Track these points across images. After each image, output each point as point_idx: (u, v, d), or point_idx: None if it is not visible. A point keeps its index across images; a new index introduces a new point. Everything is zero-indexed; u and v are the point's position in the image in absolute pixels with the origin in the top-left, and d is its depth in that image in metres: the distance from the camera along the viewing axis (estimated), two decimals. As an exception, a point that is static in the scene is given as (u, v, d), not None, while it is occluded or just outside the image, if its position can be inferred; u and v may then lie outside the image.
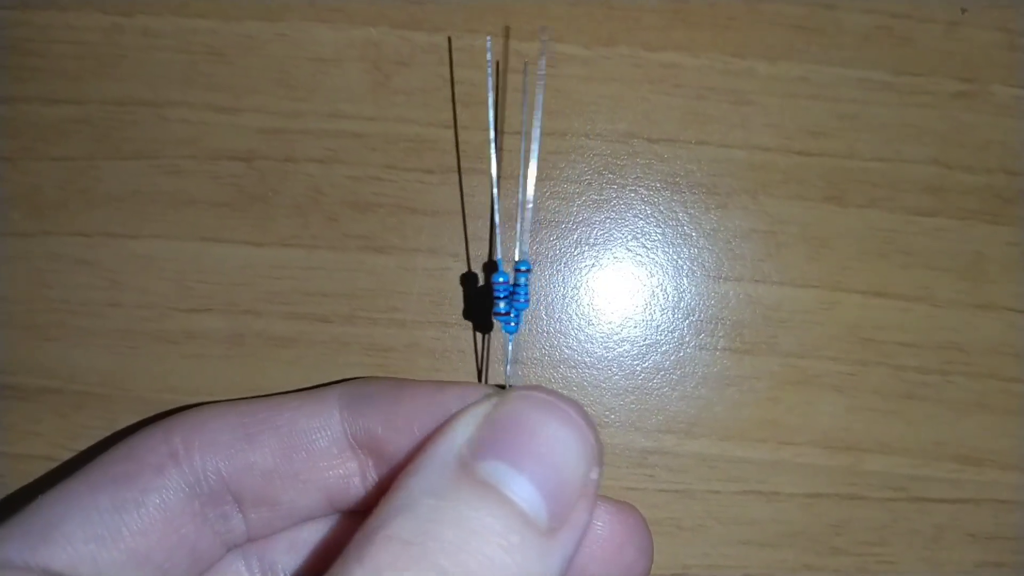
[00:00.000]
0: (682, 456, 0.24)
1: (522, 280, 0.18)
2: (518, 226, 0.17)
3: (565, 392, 0.23)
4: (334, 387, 0.19)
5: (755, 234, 0.24)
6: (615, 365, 0.24)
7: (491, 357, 0.23)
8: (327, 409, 0.18)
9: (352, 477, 0.18)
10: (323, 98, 0.23)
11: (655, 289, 0.24)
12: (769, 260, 0.24)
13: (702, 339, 0.24)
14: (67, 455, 0.23)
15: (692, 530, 0.23)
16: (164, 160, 0.23)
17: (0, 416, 0.23)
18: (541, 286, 0.24)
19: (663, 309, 0.24)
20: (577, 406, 0.16)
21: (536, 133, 0.17)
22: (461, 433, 0.15)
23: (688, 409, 0.24)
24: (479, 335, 0.23)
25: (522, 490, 0.14)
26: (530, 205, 0.17)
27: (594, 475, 0.15)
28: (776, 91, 0.24)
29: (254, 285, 0.23)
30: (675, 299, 0.24)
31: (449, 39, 0.23)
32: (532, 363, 0.23)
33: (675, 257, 0.24)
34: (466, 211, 0.23)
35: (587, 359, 0.24)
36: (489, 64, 0.18)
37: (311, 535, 0.19)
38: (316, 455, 0.18)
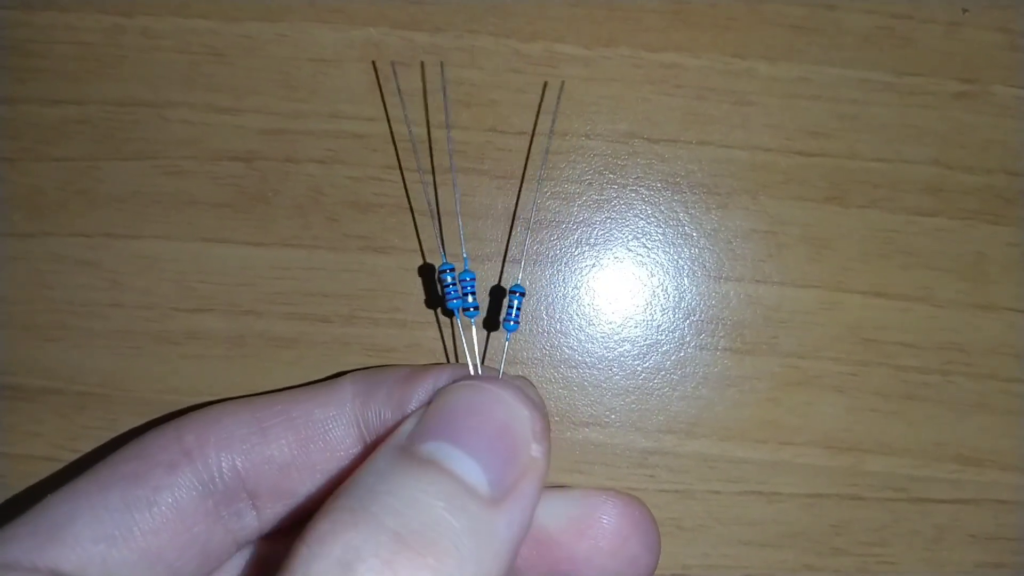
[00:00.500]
0: (683, 456, 0.24)
1: (467, 278, 0.19)
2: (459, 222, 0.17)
3: (566, 393, 0.23)
4: (345, 376, 0.19)
5: (756, 234, 0.24)
6: (616, 365, 0.24)
7: (491, 356, 0.23)
8: (340, 398, 0.18)
9: None
10: (323, 99, 0.23)
11: (656, 289, 0.24)
12: (770, 260, 0.24)
13: (703, 339, 0.24)
14: (68, 456, 0.24)
15: (692, 530, 0.23)
16: (165, 161, 0.23)
17: (1, 417, 0.23)
18: (542, 286, 0.24)
19: (664, 309, 0.24)
20: (516, 389, 0.17)
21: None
22: (406, 427, 0.16)
23: (689, 409, 0.24)
24: (464, 333, 0.23)
25: (462, 463, 0.15)
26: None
27: (536, 452, 0.16)
28: (777, 91, 0.24)
29: (255, 285, 0.23)
30: (676, 299, 0.24)
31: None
32: (533, 363, 0.24)
33: (676, 257, 0.24)
34: (462, 211, 0.23)
35: (588, 359, 0.24)
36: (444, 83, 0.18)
37: None
38: (332, 445, 0.18)
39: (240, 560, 0.19)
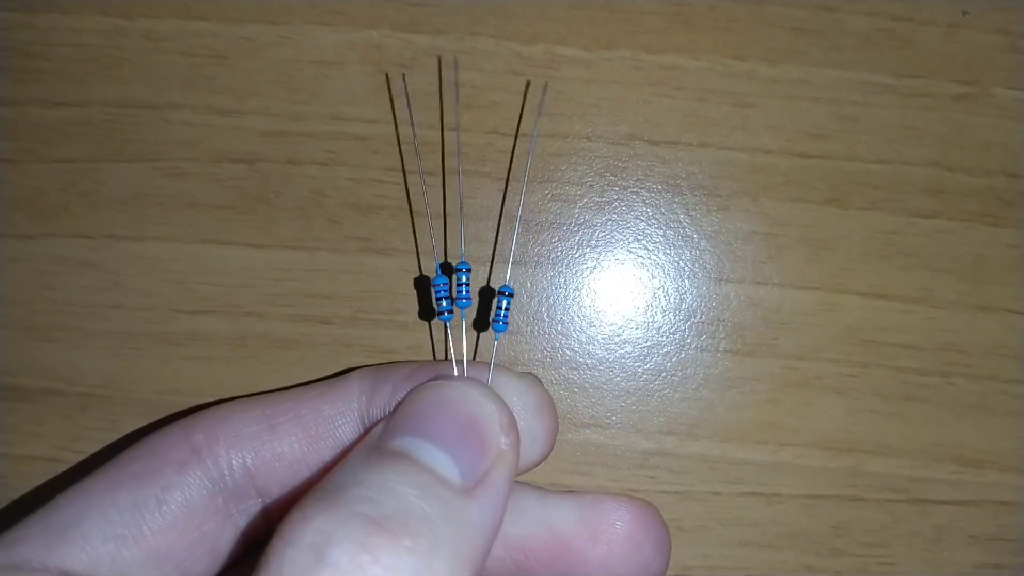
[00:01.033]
0: (683, 457, 0.24)
1: (463, 279, 0.20)
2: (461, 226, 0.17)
3: (567, 394, 0.24)
4: (353, 373, 0.19)
5: (756, 236, 0.24)
6: (616, 367, 0.24)
7: (483, 356, 0.23)
8: (348, 395, 0.19)
9: None
10: (325, 101, 0.23)
11: (656, 291, 0.24)
12: (770, 262, 0.24)
13: (703, 341, 0.24)
14: (70, 456, 0.24)
15: (693, 531, 0.24)
16: (166, 162, 0.23)
17: (2, 417, 0.24)
18: (543, 288, 0.24)
19: (664, 311, 0.24)
20: (482, 385, 0.17)
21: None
22: (378, 429, 0.17)
23: (689, 411, 0.24)
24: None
25: (432, 454, 0.15)
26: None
27: (505, 444, 0.16)
28: (777, 93, 0.24)
29: (256, 287, 0.23)
30: (676, 301, 0.24)
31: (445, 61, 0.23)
32: (534, 364, 0.24)
33: (676, 259, 0.24)
34: (465, 212, 0.23)
35: (589, 360, 0.24)
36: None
37: None
38: (342, 441, 0.18)
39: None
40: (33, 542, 0.16)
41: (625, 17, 0.24)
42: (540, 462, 0.20)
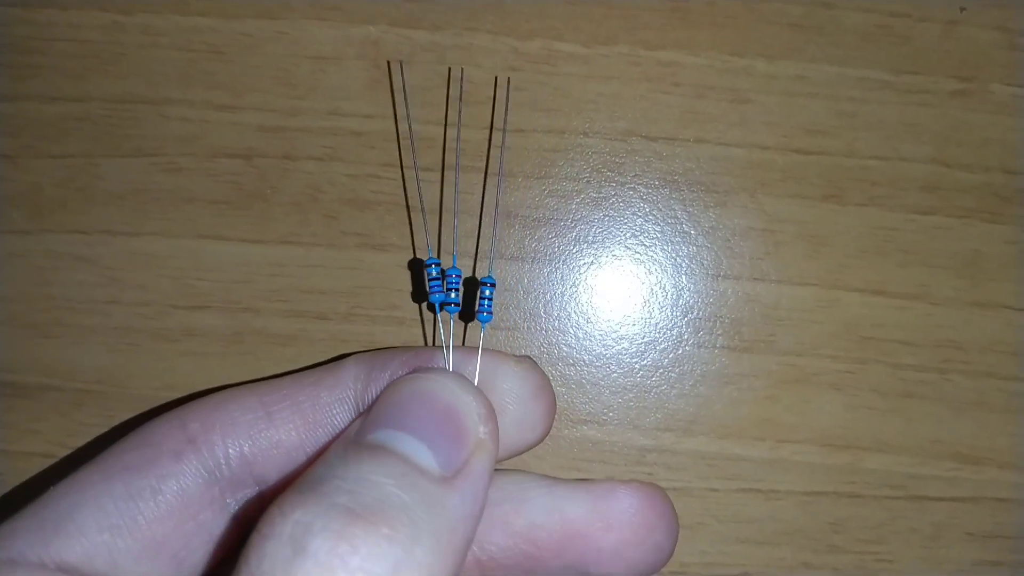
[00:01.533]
0: (680, 454, 0.24)
1: (453, 275, 0.20)
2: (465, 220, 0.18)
3: (564, 390, 0.24)
4: (348, 359, 0.19)
5: (754, 232, 0.24)
6: (614, 363, 0.24)
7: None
8: (344, 381, 0.19)
9: None
10: (322, 96, 0.24)
11: (654, 287, 0.24)
12: (768, 258, 0.24)
13: (700, 337, 0.24)
14: (67, 453, 0.24)
15: (690, 528, 0.24)
16: (164, 158, 0.24)
17: (0, 414, 0.24)
18: (540, 283, 0.24)
19: (662, 307, 0.24)
20: (457, 376, 0.18)
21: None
22: (351, 428, 0.17)
23: (686, 407, 0.24)
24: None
25: (409, 445, 0.15)
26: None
27: (483, 433, 0.16)
28: (775, 89, 0.24)
29: (253, 283, 0.23)
30: (674, 297, 0.24)
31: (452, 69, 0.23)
32: (531, 361, 0.24)
33: (674, 255, 0.24)
34: (458, 208, 0.23)
35: (586, 357, 0.24)
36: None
37: None
38: (338, 428, 0.18)
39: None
40: (28, 535, 0.16)
41: (623, 13, 0.24)
42: (538, 443, 0.20)
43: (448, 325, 0.20)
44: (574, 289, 0.24)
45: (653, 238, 0.24)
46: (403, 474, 0.15)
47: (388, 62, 0.23)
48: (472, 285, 0.23)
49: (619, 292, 0.24)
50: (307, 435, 0.18)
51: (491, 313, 0.20)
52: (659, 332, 0.24)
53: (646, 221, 0.24)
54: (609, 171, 0.24)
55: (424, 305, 0.23)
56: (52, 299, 0.24)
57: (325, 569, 0.13)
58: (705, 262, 0.24)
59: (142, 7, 0.24)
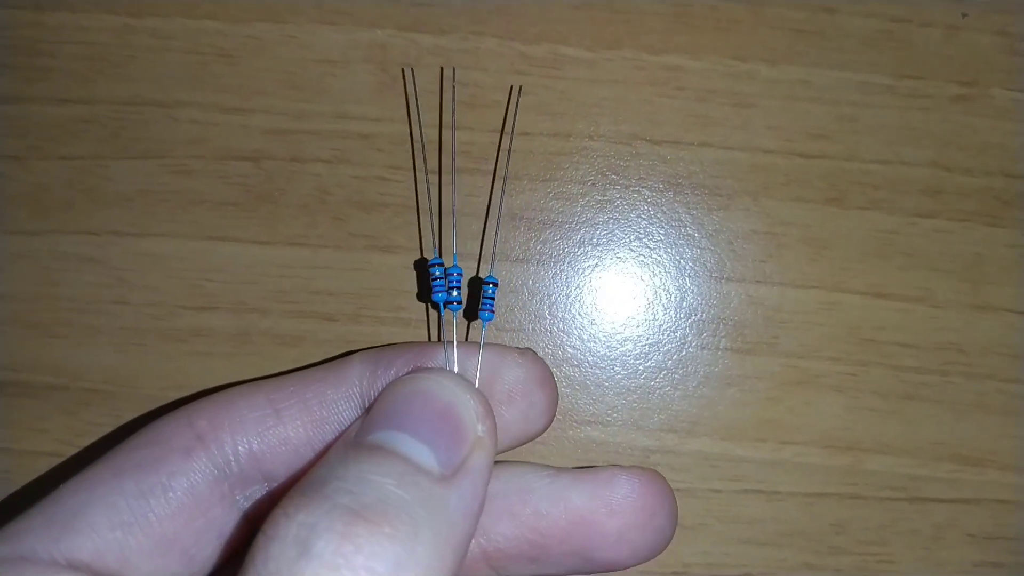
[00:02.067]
0: (683, 455, 0.24)
1: (453, 273, 0.21)
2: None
3: (568, 391, 0.24)
4: (354, 356, 0.20)
5: (757, 235, 0.24)
6: (618, 364, 0.24)
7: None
8: (350, 378, 0.19)
9: None
10: (330, 99, 0.24)
11: (658, 289, 0.24)
12: (770, 261, 0.24)
13: (704, 339, 0.24)
14: (73, 452, 0.24)
15: (693, 528, 0.24)
16: (172, 160, 0.24)
17: (7, 413, 0.24)
18: (545, 285, 0.24)
19: (665, 309, 0.24)
20: (454, 375, 0.18)
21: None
22: (352, 429, 0.17)
23: (690, 408, 0.24)
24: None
25: (409, 445, 0.16)
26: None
27: (481, 431, 0.17)
28: (778, 94, 0.24)
29: (261, 284, 0.24)
30: (677, 299, 0.24)
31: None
32: (535, 362, 0.24)
33: (677, 257, 0.24)
34: (462, 211, 0.24)
35: (590, 358, 0.24)
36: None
37: None
38: (345, 425, 0.19)
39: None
40: (39, 533, 0.16)
41: (627, 18, 0.24)
42: (542, 432, 0.20)
43: (451, 323, 0.20)
44: (579, 291, 0.24)
45: (657, 241, 0.24)
46: (403, 474, 0.15)
47: (403, 70, 0.24)
48: (476, 285, 0.23)
49: (623, 294, 0.24)
50: (314, 431, 0.19)
51: (493, 312, 0.21)
52: (663, 334, 0.24)
53: (650, 224, 0.24)
54: (614, 174, 0.24)
55: (429, 304, 0.24)
56: (59, 299, 0.24)
57: (330, 569, 0.13)
58: (708, 265, 0.24)
59: (151, 10, 0.24)
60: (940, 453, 0.24)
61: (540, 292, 0.24)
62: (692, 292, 0.24)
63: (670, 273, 0.24)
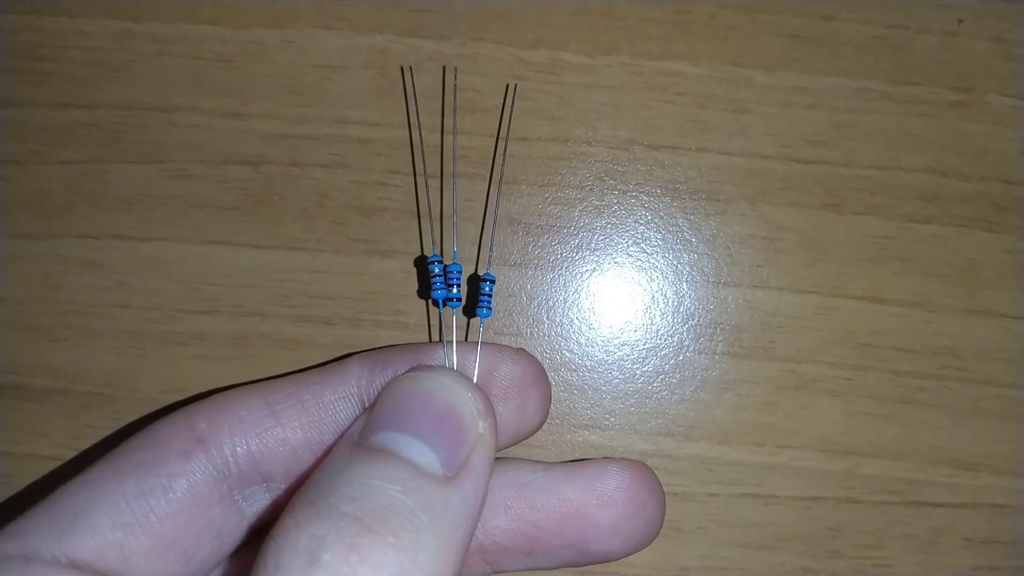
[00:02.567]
0: (681, 459, 0.25)
1: (453, 271, 0.21)
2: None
3: (566, 396, 0.24)
4: (352, 357, 0.20)
5: (754, 240, 0.25)
6: (615, 368, 0.25)
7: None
8: (348, 379, 0.19)
9: None
10: (329, 104, 0.24)
11: (655, 294, 0.25)
12: (767, 266, 0.25)
13: (701, 343, 0.25)
14: (73, 455, 0.25)
15: (690, 532, 0.24)
16: (172, 164, 0.24)
17: (7, 416, 0.24)
18: (543, 290, 0.25)
19: (663, 314, 0.25)
20: (454, 373, 0.19)
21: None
22: (355, 427, 0.18)
23: (687, 412, 0.25)
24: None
25: (411, 447, 0.16)
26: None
27: (483, 428, 0.18)
28: (775, 100, 0.25)
29: (260, 288, 0.24)
30: (675, 304, 0.25)
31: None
32: (533, 366, 0.24)
33: (675, 262, 0.25)
34: (461, 215, 0.24)
35: (588, 362, 0.25)
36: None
37: None
38: (343, 425, 0.19)
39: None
40: (41, 532, 0.16)
41: (626, 24, 0.25)
42: (536, 431, 0.21)
43: (450, 321, 0.21)
44: (576, 295, 0.25)
45: (655, 245, 0.25)
46: (407, 478, 0.16)
47: (402, 68, 0.24)
48: (474, 283, 0.24)
49: (621, 299, 0.25)
50: (312, 432, 0.19)
51: (490, 309, 0.21)
52: (660, 338, 0.25)
53: (648, 229, 0.25)
54: (612, 179, 0.25)
55: (429, 302, 0.24)
56: (60, 302, 0.24)
57: None
58: (706, 269, 0.25)
59: (151, 15, 0.24)
60: (936, 457, 0.25)
61: (538, 296, 0.25)
62: (689, 297, 0.25)
63: (667, 278, 0.25)
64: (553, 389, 0.24)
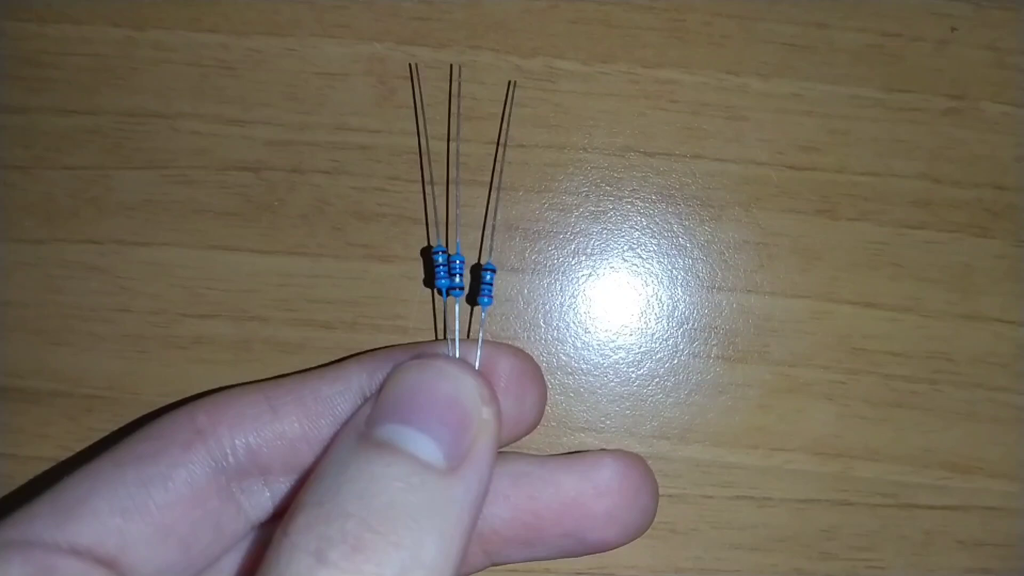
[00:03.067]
0: (675, 461, 0.25)
1: (456, 261, 0.22)
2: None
3: (562, 399, 0.25)
4: (353, 357, 0.21)
5: (748, 246, 0.25)
6: (611, 372, 0.25)
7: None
8: (347, 375, 0.20)
9: None
10: (330, 111, 0.25)
11: (650, 298, 0.25)
12: (761, 271, 0.25)
13: (696, 347, 0.25)
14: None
15: (685, 534, 0.25)
16: (174, 170, 0.25)
17: (10, 419, 0.25)
18: (540, 295, 0.25)
19: (658, 318, 0.25)
20: (459, 361, 0.19)
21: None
22: (360, 415, 0.18)
23: (682, 415, 0.25)
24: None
25: (414, 441, 0.17)
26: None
27: (487, 414, 0.18)
28: (769, 107, 0.25)
29: (261, 292, 0.25)
30: (670, 308, 0.25)
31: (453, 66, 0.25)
32: (530, 370, 0.25)
33: (670, 268, 0.25)
34: (462, 221, 0.25)
35: (584, 366, 0.25)
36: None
37: None
38: (340, 419, 0.20)
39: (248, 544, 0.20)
40: (44, 519, 0.17)
41: (622, 32, 0.25)
42: (532, 429, 0.22)
43: (454, 311, 0.21)
44: (573, 300, 0.25)
45: (650, 251, 0.25)
46: (410, 474, 0.16)
47: (409, 64, 0.25)
48: (476, 273, 0.24)
49: (616, 303, 0.25)
50: (310, 426, 0.20)
51: (492, 297, 0.22)
52: (655, 342, 0.25)
53: (643, 234, 0.25)
54: (608, 186, 0.25)
55: (431, 300, 0.25)
56: (63, 307, 0.25)
57: (343, 573, 0.15)
58: (700, 274, 0.25)
59: (155, 23, 0.25)
60: (929, 460, 0.25)
61: (535, 301, 0.25)
62: (684, 301, 0.25)
63: (663, 283, 0.25)
64: (549, 392, 0.25)
